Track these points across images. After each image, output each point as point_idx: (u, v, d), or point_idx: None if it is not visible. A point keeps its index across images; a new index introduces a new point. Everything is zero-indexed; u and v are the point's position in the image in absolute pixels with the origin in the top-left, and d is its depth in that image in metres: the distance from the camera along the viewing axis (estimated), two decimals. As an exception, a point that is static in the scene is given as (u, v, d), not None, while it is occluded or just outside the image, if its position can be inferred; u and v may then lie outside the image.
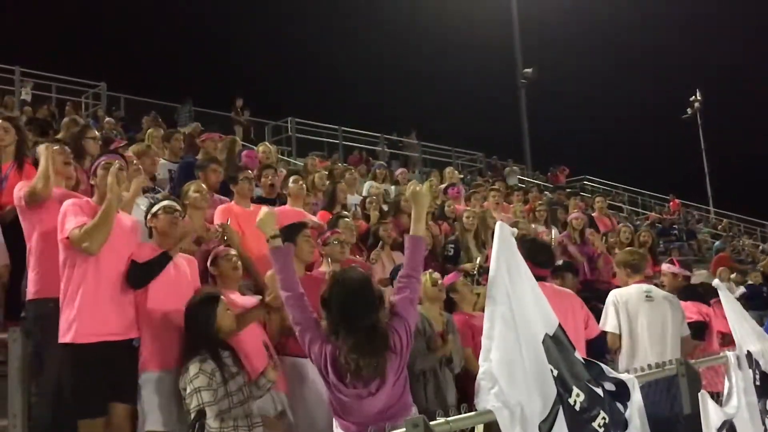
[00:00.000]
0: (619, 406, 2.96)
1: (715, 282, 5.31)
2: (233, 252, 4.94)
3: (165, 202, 4.62)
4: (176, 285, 4.43)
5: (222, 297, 4.24)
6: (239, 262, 4.88)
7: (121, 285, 4.18)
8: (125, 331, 4.17)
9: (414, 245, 3.49)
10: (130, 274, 4.21)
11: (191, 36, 35.92)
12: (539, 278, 4.26)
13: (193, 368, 3.90)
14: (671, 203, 25.63)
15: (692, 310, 6.01)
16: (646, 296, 5.47)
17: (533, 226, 8.63)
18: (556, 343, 2.72)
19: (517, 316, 2.61)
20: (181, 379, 3.95)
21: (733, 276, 12.39)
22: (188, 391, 3.87)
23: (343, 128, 20.77)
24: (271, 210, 3.40)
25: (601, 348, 4.49)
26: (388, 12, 36.83)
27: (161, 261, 4.31)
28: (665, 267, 6.66)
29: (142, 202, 5.24)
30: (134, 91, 18.72)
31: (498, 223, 2.82)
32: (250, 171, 6.63)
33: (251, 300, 4.68)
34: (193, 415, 3.83)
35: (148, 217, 4.58)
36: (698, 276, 7.78)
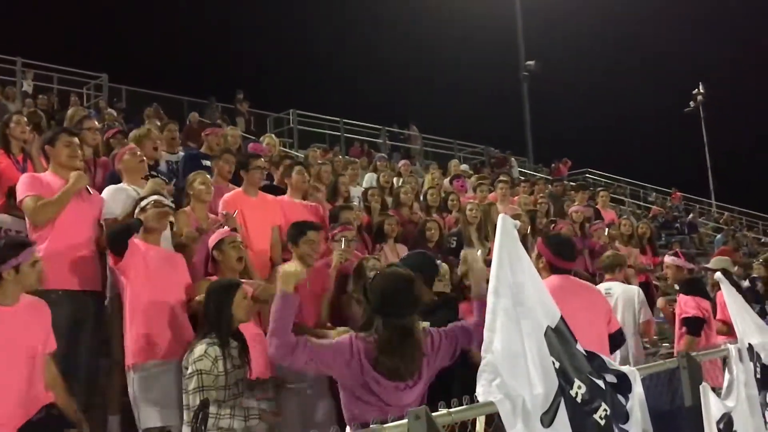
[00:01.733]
0: (621, 398, 2.97)
1: (717, 275, 5.31)
2: (239, 239, 4.96)
3: (154, 197, 4.70)
4: (164, 278, 4.48)
5: (242, 286, 4.24)
6: (243, 253, 4.90)
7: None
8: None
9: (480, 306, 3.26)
10: (107, 238, 4.48)
11: (193, 28, 35.81)
12: (564, 271, 4.28)
13: (198, 350, 3.91)
14: (673, 195, 25.61)
15: (690, 305, 5.99)
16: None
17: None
18: (558, 336, 2.73)
19: (518, 309, 2.62)
20: (185, 357, 3.96)
21: (735, 269, 12.36)
22: (189, 370, 3.88)
23: (344, 120, 20.76)
24: (300, 272, 3.32)
25: (617, 342, 4.48)
26: (391, 4, 36.69)
27: (132, 226, 4.48)
28: (669, 259, 6.61)
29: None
30: (136, 82, 18.69)
31: (501, 216, 2.81)
32: (262, 159, 6.64)
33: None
34: (190, 398, 3.83)
35: (137, 210, 4.65)
36: (718, 261, 7.77)
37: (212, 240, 4.87)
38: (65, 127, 5.63)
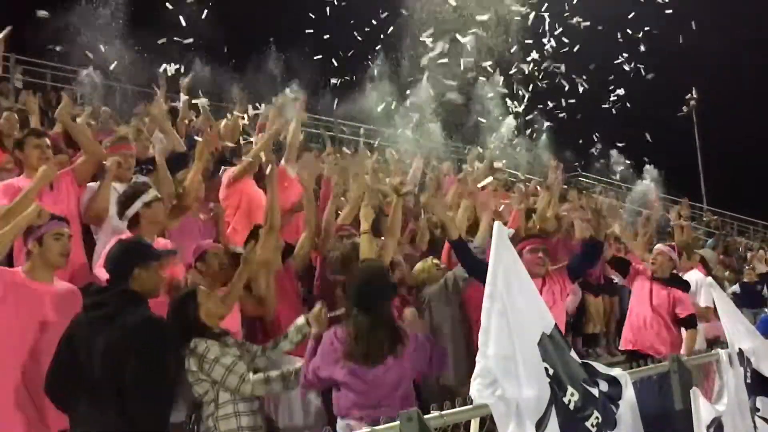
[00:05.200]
0: (612, 406, 3.00)
1: (708, 280, 5.37)
2: (221, 248, 4.98)
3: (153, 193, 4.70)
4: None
5: (199, 287, 4.11)
6: (226, 260, 4.86)
7: None
8: None
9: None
10: None
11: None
12: None
13: (201, 346, 3.75)
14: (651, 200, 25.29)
15: (686, 301, 6.14)
16: None
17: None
18: (553, 343, 2.75)
19: (512, 314, 2.63)
20: (189, 361, 3.77)
21: (726, 274, 12.41)
22: (206, 368, 3.71)
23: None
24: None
25: None
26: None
27: None
28: (664, 248, 6.60)
29: (119, 187, 5.19)
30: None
31: (495, 224, 2.83)
32: None
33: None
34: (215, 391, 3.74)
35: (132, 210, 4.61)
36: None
37: (196, 255, 4.85)
38: (32, 128, 5.46)
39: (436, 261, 5.82)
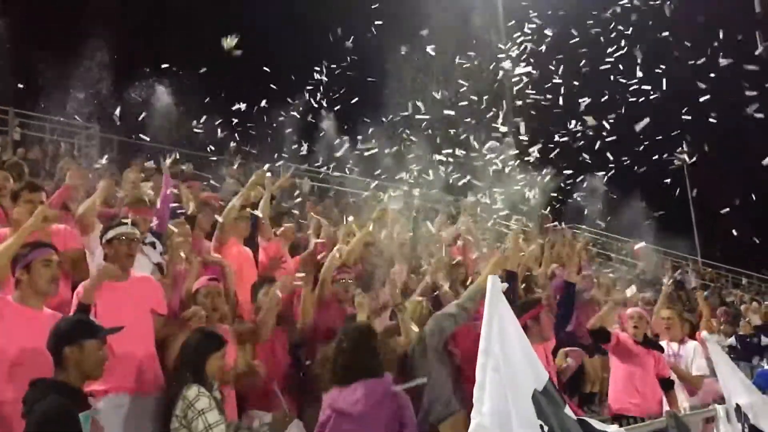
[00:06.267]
0: (608, 462, 2.97)
1: (704, 334, 5.37)
2: (218, 290, 4.90)
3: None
4: (134, 306, 4.30)
5: (224, 347, 4.09)
6: (220, 301, 4.84)
7: None
8: None
9: None
10: None
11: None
12: None
13: (192, 392, 3.76)
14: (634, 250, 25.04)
15: (666, 363, 6.13)
16: None
17: None
18: (547, 398, 2.73)
19: (505, 370, 2.63)
20: (177, 405, 3.76)
21: (722, 327, 12.38)
22: (189, 415, 3.71)
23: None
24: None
25: None
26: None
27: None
28: (641, 311, 6.60)
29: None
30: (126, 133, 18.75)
31: (489, 277, 2.84)
32: None
33: None
34: None
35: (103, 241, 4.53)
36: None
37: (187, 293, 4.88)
38: (28, 181, 5.37)
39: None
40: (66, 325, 3.36)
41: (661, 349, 6.32)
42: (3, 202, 5.48)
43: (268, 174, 7.36)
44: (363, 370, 3.96)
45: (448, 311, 5.11)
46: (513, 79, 9.72)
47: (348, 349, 4.07)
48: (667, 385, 6.06)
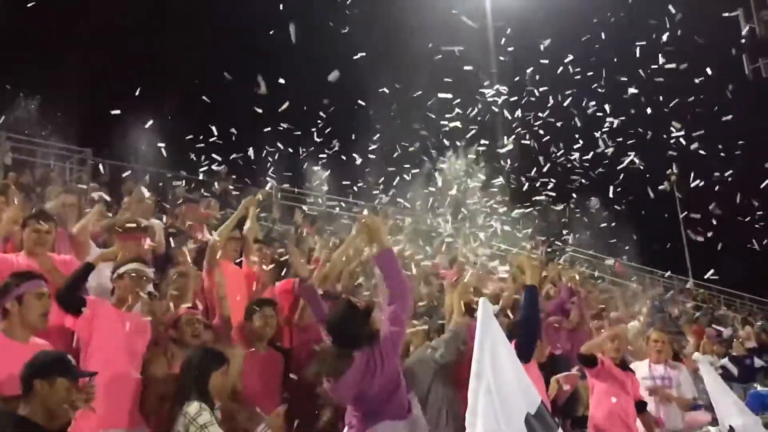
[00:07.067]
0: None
1: (696, 355, 5.37)
2: (197, 318, 4.91)
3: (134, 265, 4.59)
4: (126, 344, 4.33)
5: (225, 365, 4.12)
6: (201, 329, 4.85)
7: None
8: None
9: None
10: (57, 298, 4.09)
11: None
12: None
13: (193, 408, 3.79)
14: (615, 266, 24.99)
15: (639, 385, 6.14)
16: None
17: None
18: (540, 421, 2.72)
19: (497, 393, 2.62)
20: (178, 422, 3.79)
21: (715, 348, 12.39)
22: (192, 431, 3.73)
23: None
24: None
25: None
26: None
27: (83, 271, 4.25)
28: (620, 332, 6.64)
29: None
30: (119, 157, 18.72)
31: (481, 300, 2.85)
32: None
33: None
34: None
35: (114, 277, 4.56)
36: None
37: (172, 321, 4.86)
38: (41, 210, 5.39)
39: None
40: (45, 357, 3.35)
41: (633, 372, 6.33)
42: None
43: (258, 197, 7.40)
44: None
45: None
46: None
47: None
48: (640, 407, 6.07)
